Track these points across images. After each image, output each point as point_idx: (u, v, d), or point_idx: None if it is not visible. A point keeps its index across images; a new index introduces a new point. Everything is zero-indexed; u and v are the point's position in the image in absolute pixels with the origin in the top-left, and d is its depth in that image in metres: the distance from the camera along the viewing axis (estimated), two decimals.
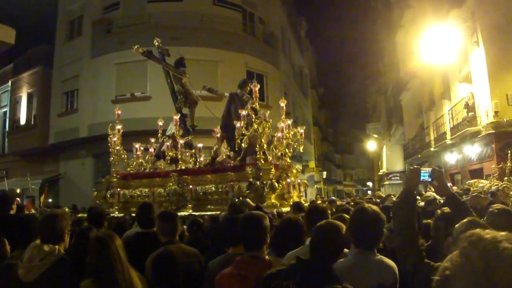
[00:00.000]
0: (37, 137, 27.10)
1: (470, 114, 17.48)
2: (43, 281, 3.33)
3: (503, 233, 1.21)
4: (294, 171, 11.52)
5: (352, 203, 10.02)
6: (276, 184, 9.50)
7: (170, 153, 11.25)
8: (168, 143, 11.38)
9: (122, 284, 3.14)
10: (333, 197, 18.90)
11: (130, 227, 6.89)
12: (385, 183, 41.84)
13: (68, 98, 26.10)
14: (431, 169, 3.48)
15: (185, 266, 4.10)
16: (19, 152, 28.67)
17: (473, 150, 18.69)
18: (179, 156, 11.08)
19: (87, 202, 19.04)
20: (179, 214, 9.22)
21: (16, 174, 26.78)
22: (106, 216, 6.74)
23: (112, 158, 11.85)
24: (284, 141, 10.52)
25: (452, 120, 20.24)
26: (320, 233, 3.14)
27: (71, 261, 3.59)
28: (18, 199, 13.67)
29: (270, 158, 10.42)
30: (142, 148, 12.18)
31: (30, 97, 29.25)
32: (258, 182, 9.41)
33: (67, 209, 14.24)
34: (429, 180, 3.46)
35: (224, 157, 11.22)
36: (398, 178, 38.38)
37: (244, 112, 10.11)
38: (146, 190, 11.07)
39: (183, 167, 11.10)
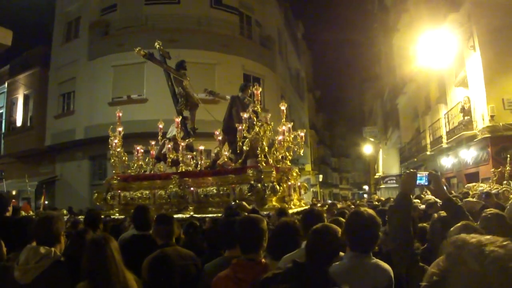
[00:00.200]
0: (33, 138, 27.06)
1: (466, 118, 17.52)
2: (39, 283, 3.33)
3: (488, 236, 1.22)
4: (294, 174, 11.54)
5: (353, 206, 10.04)
6: (278, 187, 9.51)
7: (171, 156, 11.25)
8: (169, 146, 11.37)
9: (117, 286, 3.14)
10: (334, 201, 18.91)
11: (126, 229, 6.89)
12: (381, 186, 41.87)
13: (64, 100, 26.05)
14: (427, 173, 3.49)
15: (181, 269, 4.10)
16: (15, 153, 28.64)
17: (469, 154, 18.73)
18: (180, 159, 11.08)
19: (83, 204, 19.10)
20: (180, 216, 9.30)
21: (12, 176, 26.71)
22: (101, 218, 6.74)
23: (112, 160, 11.79)
24: (285, 144, 10.54)
25: (448, 124, 20.29)
26: (316, 236, 3.14)
27: (67, 263, 3.59)
28: (14, 200, 13.66)
29: (271, 161, 10.42)
30: (142, 151, 12.15)
31: (26, 98, 29.22)
32: (259, 185, 9.40)
33: (65, 211, 14.23)
34: (426, 184, 3.47)
35: (226, 159, 11.21)
36: (394, 181, 38.42)
37: (245, 115, 10.12)
38: (147, 192, 11.00)
39: (183, 170, 11.10)
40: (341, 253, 3.37)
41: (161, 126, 12.24)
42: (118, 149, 11.65)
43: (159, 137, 12.26)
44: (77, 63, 25.04)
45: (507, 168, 12.85)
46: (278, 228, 4.32)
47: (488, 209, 4.43)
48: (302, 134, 11.06)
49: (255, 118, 10.33)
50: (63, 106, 26.13)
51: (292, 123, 11.09)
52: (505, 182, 12.05)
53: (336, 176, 75.79)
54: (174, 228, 4.74)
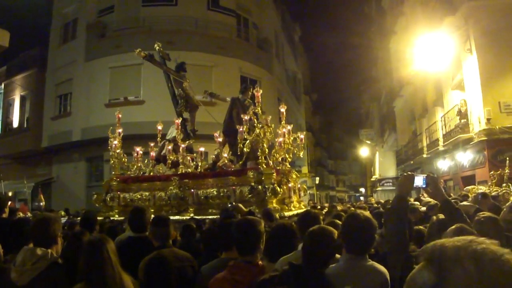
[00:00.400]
0: (30, 140, 27.00)
1: (462, 121, 17.56)
2: (36, 285, 3.32)
3: (465, 237, 1.22)
4: (294, 176, 11.57)
5: (353, 209, 10.05)
6: (278, 189, 9.51)
7: (171, 157, 11.24)
8: (169, 147, 11.36)
9: None
10: (334, 203, 18.92)
11: (122, 231, 6.88)
12: (377, 189, 41.97)
13: (61, 101, 25.98)
14: (425, 175, 3.50)
15: (178, 271, 4.10)
16: (12, 155, 28.56)
17: (465, 157, 18.77)
18: (181, 160, 11.07)
19: (80, 206, 19.05)
20: (180, 218, 9.29)
21: (9, 177, 26.60)
22: (97, 220, 6.74)
23: (112, 162, 11.75)
24: (285, 146, 10.55)
25: (445, 127, 20.33)
26: (313, 238, 3.16)
27: (64, 265, 3.59)
28: (11, 202, 13.62)
29: (271, 163, 10.42)
30: (141, 152, 12.12)
31: (23, 100, 29.18)
32: (260, 187, 9.41)
33: (63, 213, 14.20)
34: (424, 186, 3.48)
35: (226, 161, 11.21)
36: (390, 184, 38.51)
37: (246, 117, 10.15)
38: (147, 193, 10.95)
39: (183, 171, 11.09)
40: (337, 255, 3.38)
41: (160, 127, 12.23)
42: (118, 151, 11.63)
43: (158, 138, 12.25)
44: (74, 65, 24.97)
45: (506, 170, 12.87)
46: (275, 230, 4.33)
47: (481, 213, 4.44)
48: (302, 136, 11.07)
49: (255, 120, 10.35)
50: (60, 107, 26.06)
51: (292, 125, 11.09)
52: (504, 184, 12.07)
53: (333, 179, 75.81)
54: (170, 229, 4.74)
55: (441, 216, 3.86)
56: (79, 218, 9.68)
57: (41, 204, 17.81)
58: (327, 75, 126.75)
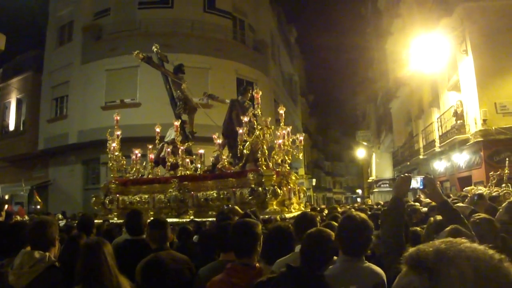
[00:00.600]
0: (26, 143, 26.98)
1: (458, 122, 17.56)
2: None
3: (449, 239, 1.22)
4: (293, 177, 11.57)
5: (353, 210, 10.06)
6: (279, 190, 9.51)
7: (170, 159, 11.22)
8: (168, 149, 11.34)
9: None
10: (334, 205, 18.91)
11: (119, 234, 6.88)
12: (374, 190, 41.95)
13: (57, 104, 25.96)
14: (422, 177, 3.51)
15: (175, 273, 4.10)
16: (8, 158, 28.53)
17: (461, 158, 18.79)
18: (180, 162, 11.05)
19: (76, 209, 19.03)
20: (180, 220, 9.28)
21: (5, 180, 26.59)
22: (94, 223, 6.73)
23: (110, 164, 11.69)
24: (284, 148, 10.55)
25: (441, 128, 20.34)
26: (311, 241, 3.16)
27: (62, 268, 3.59)
28: (8, 205, 13.56)
29: (271, 165, 10.42)
30: (139, 155, 12.09)
31: (19, 102, 29.15)
32: (260, 188, 9.39)
33: (60, 216, 14.15)
34: (421, 187, 3.48)
35: (225, 163, 11.21)
36: (387, 185, 38.51)
37: (246, 119, 10.15)
38: (146, 196, 10.90)
39: (182, 173, 11.07)
40: (334, 257, 3.39)
41: (158, 130, 12.21)
42: (116, 153, 11.59)
43: (157, 140, 12.23)
44: (70, 67, 24.96)
45: (506, 171, 12.88)
46: (272, 232, 4.33)
47: (477, 214, 4.44)
48: (301, 138, 11.08)
49: (255, 122, 10.35)
50: (56, 110, 26.03)
51: (291, 127, 11.10)
52: (503, 185, 12.08)
53: (330, 180, 75.94)
54: (168, 232, 4.75)
55: (439, 217, 3.87)
56: (73, 222, 9.68)
57: (38, 207, 17.77)
58: (323, 77, 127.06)
